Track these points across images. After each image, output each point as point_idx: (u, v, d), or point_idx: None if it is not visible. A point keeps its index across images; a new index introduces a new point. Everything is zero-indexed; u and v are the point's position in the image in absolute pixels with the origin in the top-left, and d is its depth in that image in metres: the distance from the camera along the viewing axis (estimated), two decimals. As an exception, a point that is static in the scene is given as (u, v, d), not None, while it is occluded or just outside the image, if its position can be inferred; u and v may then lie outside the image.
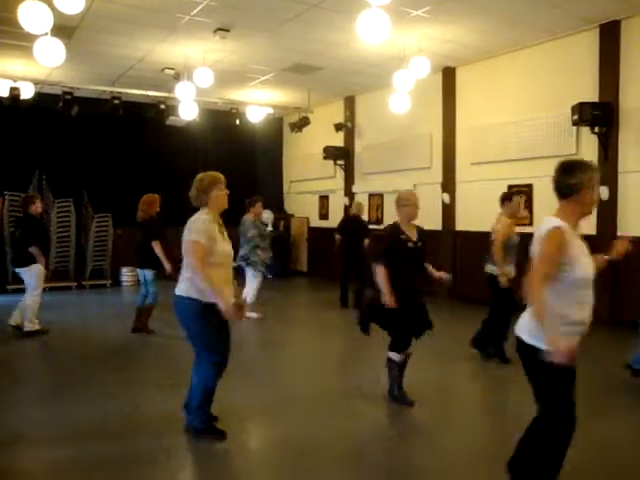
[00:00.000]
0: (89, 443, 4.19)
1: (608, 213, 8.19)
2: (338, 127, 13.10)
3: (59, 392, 5.43)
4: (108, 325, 8.59)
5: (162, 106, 11.19)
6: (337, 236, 10.25)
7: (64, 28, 7.93)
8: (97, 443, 4.19)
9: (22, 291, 7.91)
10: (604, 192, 8.17)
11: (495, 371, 6.09)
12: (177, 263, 4.81)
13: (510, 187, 9.64)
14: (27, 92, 10.05)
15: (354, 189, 13.17)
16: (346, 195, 13.30)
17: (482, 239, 10.10)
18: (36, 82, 10.25)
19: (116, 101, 10.71)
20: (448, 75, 10.75)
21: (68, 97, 10.26)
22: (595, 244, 3.27)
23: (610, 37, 8.22)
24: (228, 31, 8.52)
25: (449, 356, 6.68)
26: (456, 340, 7.06)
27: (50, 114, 11.12)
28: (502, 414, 4.89)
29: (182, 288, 4.13)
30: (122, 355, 6.91)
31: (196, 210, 4.25)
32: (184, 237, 4.12)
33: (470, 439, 4.37)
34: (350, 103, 13.22)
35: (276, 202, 15.19)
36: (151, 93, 11.14)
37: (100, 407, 4.92)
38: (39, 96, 10.63)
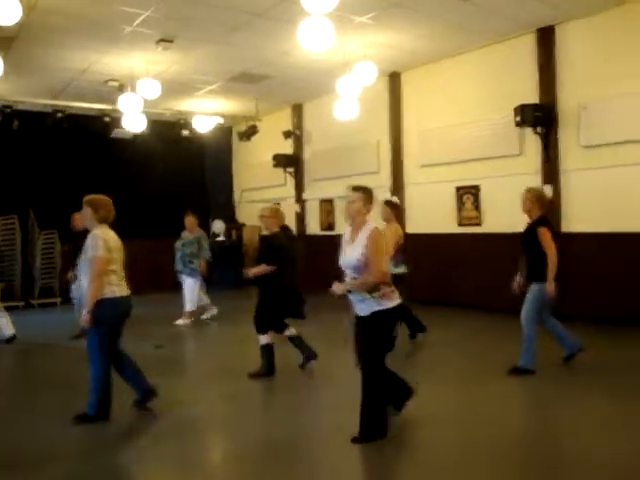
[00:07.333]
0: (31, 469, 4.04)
1: (553, 211, 8.44)
2: (287, 135, 13.14)
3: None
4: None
5: (107, 119, 10.99)
6: None
7: (1, 40, 7.72)
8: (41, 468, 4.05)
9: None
10: (548, 190, 8.43)
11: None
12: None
13: (458, 188, 9.86)
14: (-37, 107, 9.75)
15: (305, 196, 13.22)
16: (297, 202, 13.33)
17: (431, 241, 10.32)
18: (-27, 96, 9.96)
19: (59, 114, 10.48)
20: (394, 80, 10.91)
21: (8, 111, 10.01)
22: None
23: (546, 41, 8.55)
24: (171, 42, 8.46)
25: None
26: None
27: (-11, 129, 10.80)
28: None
29: None
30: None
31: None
32: None
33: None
34: (298, 110, 13.28)
35: (227, 212, 15.10)
36: (95, 106, 10.92)
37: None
38: (-24, 111, 10.32)
